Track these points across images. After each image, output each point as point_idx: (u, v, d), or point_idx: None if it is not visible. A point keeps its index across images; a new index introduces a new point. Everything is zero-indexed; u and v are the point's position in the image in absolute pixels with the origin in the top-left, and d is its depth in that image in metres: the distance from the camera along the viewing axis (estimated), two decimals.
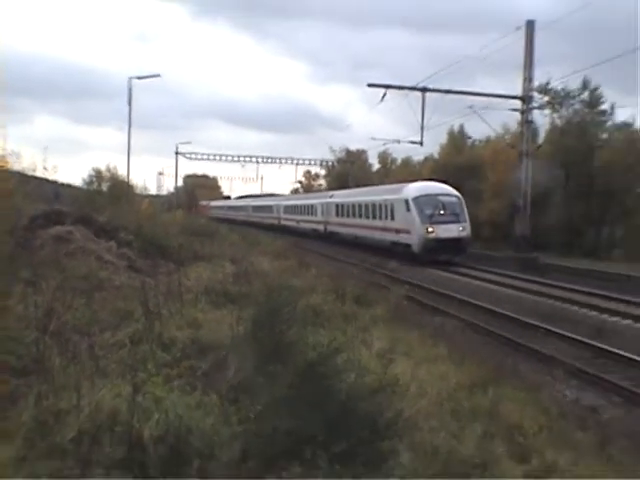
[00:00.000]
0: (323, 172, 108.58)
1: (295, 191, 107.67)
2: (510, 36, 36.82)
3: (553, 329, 16.77)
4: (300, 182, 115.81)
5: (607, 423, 10.32)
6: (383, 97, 38.49)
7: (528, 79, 37.24)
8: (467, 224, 37.40)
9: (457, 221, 37.04)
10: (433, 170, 61.09)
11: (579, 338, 15.77)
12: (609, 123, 51.21)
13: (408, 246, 37.51)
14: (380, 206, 42.52)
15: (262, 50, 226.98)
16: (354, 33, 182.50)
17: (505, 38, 43.75)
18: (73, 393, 6.04)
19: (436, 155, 74.56)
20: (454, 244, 35.95)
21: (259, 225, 77.64)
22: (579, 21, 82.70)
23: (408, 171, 76.55)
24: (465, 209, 38.11)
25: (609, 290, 23.51)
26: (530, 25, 36.39)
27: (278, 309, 8.68)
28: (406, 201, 37.89)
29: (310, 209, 62.14)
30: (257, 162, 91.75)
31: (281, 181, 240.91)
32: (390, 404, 6.84)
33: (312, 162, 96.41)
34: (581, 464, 7.53)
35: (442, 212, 36.97)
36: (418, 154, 76.43)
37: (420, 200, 37.29)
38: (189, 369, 7.66)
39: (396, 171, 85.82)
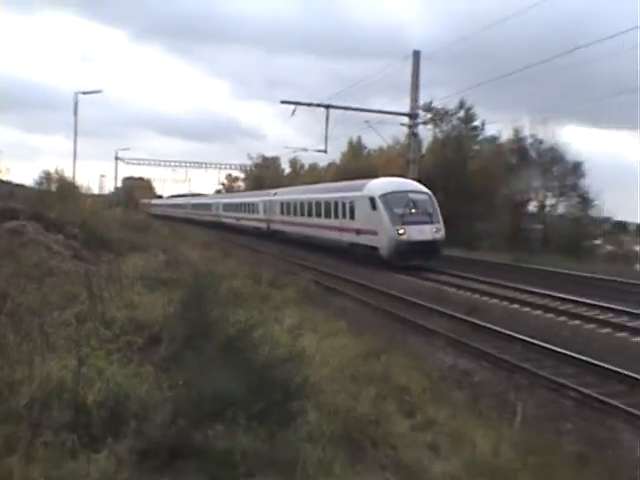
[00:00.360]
0: (242, 175, 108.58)
1: (218, 191, 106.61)
2: (400, 63, 37.85)
3: (435, 307, 17.10)
4: (223, 184, 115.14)
5: (478, 384, 10.61)
6: (293, 112, 38.19)
7: (414, 99, 37.92)
8: (441, 225, 29.28)
9: (430, 221, 28.92)
10: (335, 174, 61.13)
11: (456, 315, 16.11)
12: (480, 137, 52.57)
13: (374, 249, 29.15)
14: (336, 204, 33.75)
15: (191, 70, 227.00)
16: (269, 56, 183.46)
17: (396, 64, 44.71)
18: (26, 366, 5.96)
19: (338, 161, 75.58)
20: (428, 247, 28.06)
21: (198, 222, 68.72)
22: (457, 52, 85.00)
23: (315, 174, 77.33)
24: (437, 208, 30.07)
25: (479, 275, 24.04)
26: (416, 55, 37.18)
27: (203, 292, 8.68)
28: (372, 199, 29.44)
29: (251, 207, 52.70)
30: (186, 166, 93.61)
31: (206, 183, 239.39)
32: (299, 371, 6.92)
33: (233, 167, 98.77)
34: (457, 418, 7.74)
35: (414, 211, 28.97)
36: (323, 160, 77.37)
37: (389, 198, 29.05)
38: (127, 344, 7.60)
39: (304, 175, 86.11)
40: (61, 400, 5.35)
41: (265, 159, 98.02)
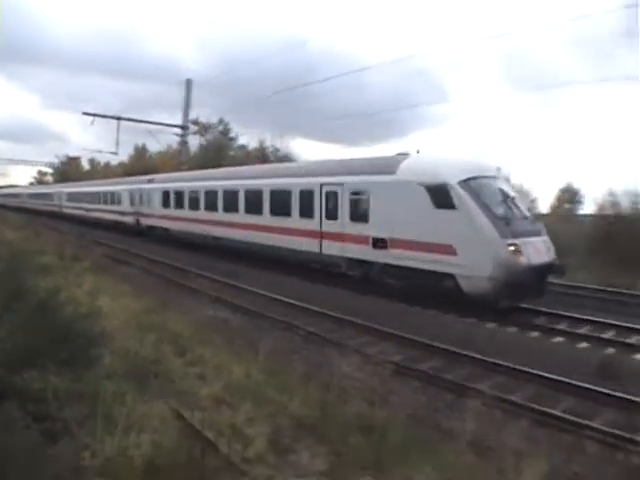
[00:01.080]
0: (51, 171, 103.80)
1: (31, 184, 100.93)
2: (176, 87, 41.01)
3: (202, 273, 17.23)
4: (35, 178, 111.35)
5: (233, 329, 11.07)
6: (93, 122, 37.57)
7: (186, 115, 40.26)
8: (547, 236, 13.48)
9: (537, 231, 13.15)
10: (124, 171, 60.69)
11: (218, 278, 16.41)
12: (234, 145, 57.26)
13: (440, 277, 12.61)
14: (308, 195, 16.64)
15: (9, 85, 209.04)
16: (73, 76, 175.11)
17: (173, 88, 45.75)
18: None
19: (126, 161, 76.40)
20: (545, 273, 12.55)
21: (36, 212, 53.94)
22: (221, 81, 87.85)
23: (108, 171, 77.18)
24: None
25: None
26: (188, 82, 39.46)
27: (18, 264, 8.27)
28: (439, 188, 12.63)
29: (109, 197, 35.84)
30: (3, 163, 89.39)
31: (21, 177, 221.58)
32: (96, 324, 6.97)
33: (43, 164, 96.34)
34: (219, 355, 8.15)
35: (516, 213, 13.03)
36: (115, 160, 77.25)
37: (474, 187, 12.59)
38: None
39: (100, 171, 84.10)
40: None
41: (69, 158, 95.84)
